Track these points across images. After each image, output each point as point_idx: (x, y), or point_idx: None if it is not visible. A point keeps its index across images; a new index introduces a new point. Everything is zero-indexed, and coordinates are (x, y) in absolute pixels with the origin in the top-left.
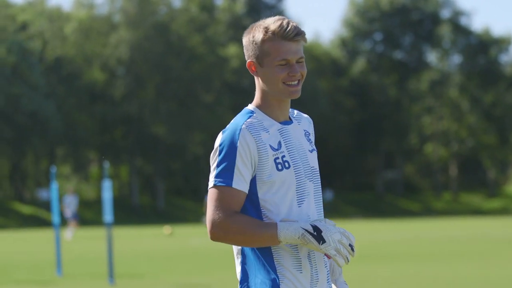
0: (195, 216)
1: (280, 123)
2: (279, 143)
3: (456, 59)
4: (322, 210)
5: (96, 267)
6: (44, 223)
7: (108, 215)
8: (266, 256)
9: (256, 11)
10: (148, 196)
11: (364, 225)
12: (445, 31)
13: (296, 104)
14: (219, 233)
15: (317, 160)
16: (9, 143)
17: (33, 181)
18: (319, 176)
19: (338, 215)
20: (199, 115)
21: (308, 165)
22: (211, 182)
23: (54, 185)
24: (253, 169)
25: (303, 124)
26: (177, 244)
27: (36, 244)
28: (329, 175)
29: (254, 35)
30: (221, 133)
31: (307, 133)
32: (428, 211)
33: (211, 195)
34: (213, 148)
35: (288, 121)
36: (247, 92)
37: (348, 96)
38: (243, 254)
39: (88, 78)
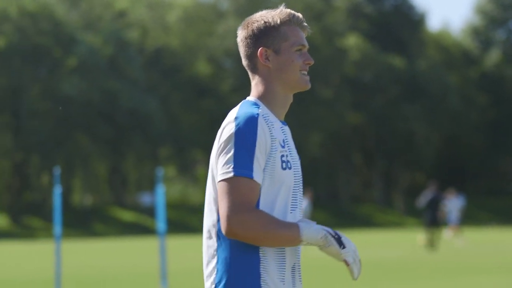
0: None
1: (280, 121)
2: (284, 141)
3: None
4: None
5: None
6: (147, 230)
7: None
8: (252, 261)
9: None
10: None
11: (500, 233)
12: None
13: (423, 98)
14: (238, 230)
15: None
16: (108, 143)
17: (135, 184)
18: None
19: (471, 222)
20: (316, 113)
21: (299, 174)
22: (227, 173)
23: (160, 189)
24: (265, 161)
25: (290, 132)
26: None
27: (139, 253)
28: (460, 178)
29: (266, 20)
30: (232, 120)
31: (293, 142)
32: None
33: (228, 187)
34: (220, 137)
35: (284, 122)
36: (369, 87)
37: (480, 91)
38: (222, 255)
39: (192, 71)
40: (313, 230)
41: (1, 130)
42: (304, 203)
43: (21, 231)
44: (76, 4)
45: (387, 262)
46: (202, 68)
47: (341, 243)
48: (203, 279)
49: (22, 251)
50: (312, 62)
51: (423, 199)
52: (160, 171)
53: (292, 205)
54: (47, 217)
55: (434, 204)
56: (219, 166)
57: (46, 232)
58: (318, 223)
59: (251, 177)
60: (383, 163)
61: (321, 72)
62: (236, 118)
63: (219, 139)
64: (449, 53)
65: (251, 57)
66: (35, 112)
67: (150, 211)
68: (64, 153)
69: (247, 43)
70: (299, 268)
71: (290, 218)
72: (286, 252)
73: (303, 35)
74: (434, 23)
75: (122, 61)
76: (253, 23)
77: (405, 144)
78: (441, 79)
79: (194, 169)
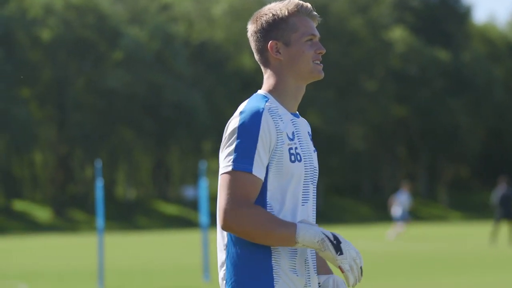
0: (356, 216)
1: (292, 113)
2: (293, 134)
3: None
4: (315, 218)
5: None
6: (190, 224)
7: None
8: (263, 254)
9: None
10: None
11: None
12: None
13: (468, 91)
14: (232, 224)
15: (317, 162)
16: (152, 137)
17: (178, 178)
18: (317, 179)
19: None
20: (360, 105)
21: (313, 165)
22: (227, 167)
23: (203, 182)
24: (269, 156)
25: (304, 123)
26: None
27: (182, 247)
28: (505, 172)
29: (274, 13)
30: (237, 114)
31: (309, 133)
32: None
33: (227, 180)
34: (226, 131)
35: (297, 114)
36: (414, 79)
37: None
38: (233, 248)
39: (237, 65)
40: (311, 233)
41: (46, 123)
42: (403, 196)
43: (64, 223)
44: None
45: (431, 255)
46: (247, 61)
47: (338, 249)
48: None
49: (65, 243)
50: (324, 51)
51: (494, 197)
52: (204, 165)
53: (303, 197)
54: (90, 210)
55: (506, 200)
56: (220, 159)
57: (89, 225)
58: (362, 217)
59: (250, 172)
60: (427, 156)
61: (366, 65)
62: (241, 112)
63: (225, 132)
64: (494, 46)
65: (262, 51)
66: (79, 105)
67: (193, 205)
68: (108, 146)
69: (257, 37)
70: (314, 261)
71: (301, 211)
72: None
73: (313, 24)
74: (480, 15)
75: (167, 54)
76: (262, 16)
77: (449, 137)
78: (486, 72)
79: None
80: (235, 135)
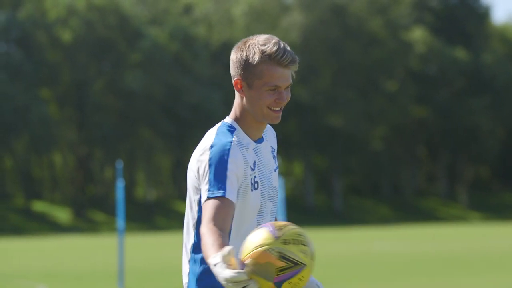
0: (376, 217)
1: (255, 141)
2: (255, 163)
3: None
4: None
5: None
6: None
7: (280, 216)
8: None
9: None
10: (324, 195)
11: None
12: None
13: (488, 91)
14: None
15: (278, 179)
16: (172, 137)
17: None
18: (277, 196)
19: None
20: (380, 106)
21: (272, 185)
22: (205, 195)
23: None
24: (238, 185)
25: (269, 139)
26: (357, 249)
27: None
28: None
29: (248, 54)
30: (207, 148)
31: (273, 150)
32: None
33: (206, 207)
34: (198, 162)
35: (261, 139)
36: (434, 80)
37: None
38: (192, 261)
39: None
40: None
41: (65, 124)
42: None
43: (84, 224)
44: None
45: (451, 256)
46: None
47: None
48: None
49: (85, 244)
50: (285, 102)
51: None
52: None
53: (260, 216)
54: (111, 211)
55: None
56: (196, 189)
57: (109, 226)
58: (381, 217)
59: (224, 196)
60: (447, 156)
61: (386, 65)
62: (211, 146)
63: (197, 162)
64: None
65: (233, 79)
66: (99, 106)
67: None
68: (127, 147)
69: (232, 67)
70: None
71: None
72: None
73: (284, 74)
74: (499, 16)
75: (187, 56)
76: (240, 51)
77: (469, 138)
78: (506, 72)
79: None
80: (209, 169)
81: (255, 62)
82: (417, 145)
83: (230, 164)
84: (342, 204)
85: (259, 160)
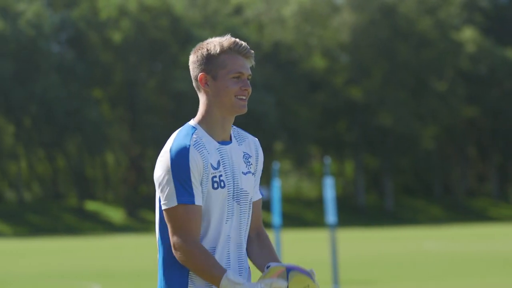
0: (427, 217)
1: (219, 142)
2: (218, 163)
3: None
4: (245, 232)
5: (318, 272)
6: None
7: (331, 215)
8: (182, 272)
9: None
10: (375, 194)
11: None
12: None
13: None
14: (179, 256)
15: (251, 183)
16: None
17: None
18: (248, 200)
19: None
20: (430, 106)
21: (238, 187)
22: (171, 201)
23: (276, 183)
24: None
25: (245, 145)
26: (408, 248)
27: None
28: None
29: (208, 48)
30: (167, 151)
31: (247, 155)
32: None
33: (173, 214)
34: (158, 166)
35: (227, 142)
36: (484, 80)
37: None
38: (163, 267)
39: (307, 65)
40: None
41: (118, 124)
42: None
43: (137, 224)
44: None
45: (502, 256)
46: (317, 61)
47: None
48: (316, 271)
49: (138, 244)
50: (249, 89)
51: None
52: (276, 165)
53: (227, 216)
54: None
55: None
56: (162, 195)
57: None
58: (433, 217)
59: (193, 203)
60: (497, 156)
61: (436, 66)
62: (170, 150)
63: (158, 164)
64: None
65: (196, 80)
66: (150, 106)
67: (266, 205)
68: None
69: (193, 67)
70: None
71: (225, 227)
72: None
73: (244, 62)
74: None
75: None
76: (199, 49)
77: None
78: None
79: (308, 162)
80: (169, 174)
81: (217, 52)
82: (467, 145)
83: (191, 166)
84: (393, 204)
85: (223, 160)
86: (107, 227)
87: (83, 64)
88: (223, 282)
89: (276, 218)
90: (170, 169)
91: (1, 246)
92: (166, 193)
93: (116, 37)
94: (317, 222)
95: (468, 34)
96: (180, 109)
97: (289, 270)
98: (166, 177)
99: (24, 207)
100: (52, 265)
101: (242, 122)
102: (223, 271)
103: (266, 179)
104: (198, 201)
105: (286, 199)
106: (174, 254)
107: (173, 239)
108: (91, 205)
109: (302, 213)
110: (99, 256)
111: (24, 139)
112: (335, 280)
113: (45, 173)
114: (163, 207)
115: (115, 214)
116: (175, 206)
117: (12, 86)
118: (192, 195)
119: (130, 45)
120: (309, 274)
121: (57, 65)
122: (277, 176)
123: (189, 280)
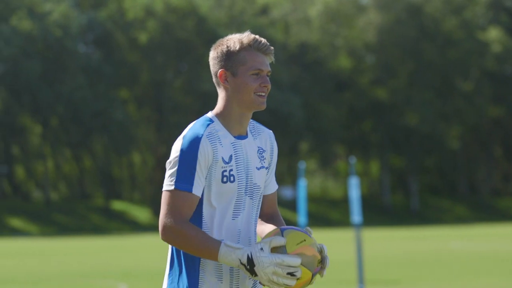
0: (453, 217)
1: (235, 137)
2: (230, 157)
3: None
4: (254, 225)
5: (343, 272)
6: (288, 224)
7: (356, 215)
8: (192, 261)
9: None
10: (401, 194)
11: None
12: None
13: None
14: (169, 237)
15: (264, 178)
16: None
17: (276, 178)
18: (260, 194)
19: None
20: (456, 105)
21: (251, 182)
22: (170, 185)
23: (302, 182)
24: (206, 177)
25: (259, 139)
26: (434, 248)
27: None
28: None
29: (228, 45)
30: (181, 138)
31: (261, 150)
32: None
33: (168, 197)
34: (172, 151)
35: (243, 136)
36: (510, 80)
37: None
38: (172, 259)
39: (333, 65)
40: (230, 260)
41: (144, 124)
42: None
43: None
44: (220, 0)
45: None
46: (343, 62)
47: (252, 272)
48: (342, 270)
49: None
50: (269, 85)
51: None
52: (303, 165)
53: (234, 212)
54: None
55: None
56: (165, 177)
57: None
58: (458, 217)
59: (190, 191)
60: None
61: (461, 66)
62: (184, 137)
63: (172, 150)
64: None
65: (215, 76)
66: (176, 106)
67: (291, 205)
68: None
69: (213, 63)
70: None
71: (231, 224)
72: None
73: (264, 59)
74: None
75: None
76: (219, 46)
77: None
78: None
79: (334, 162)
80: (177, 158)
81: (237, 49)
82: (493, 144)
83: (199, 155)
84: (419, 203)
85: (236, 154)
86: (133, 227)
87: (110, 65)
88: (222, 249)
89: (301, 217)
90: (178, 155)
91: (28, 246)
92: (168, 176)
93: (143, 37)
94: (343, 221)
95: (494, 34)
96: (206, 108)
97: (283, 229)
98: (173, 162)
99: (51, 207)
100: (78, 265)
101: (269, 122)
102: (218, 241)
103: (292, 179)
104: (196, 191)
105: (312, 199)
106: (163, 237)
107: (163, 220)
108: (118, 205)
109: (327, 213)
110: (125, 256)
111: (51, 139)
112: (361, 279)
113: (71, 173)
114: (163, 188)
115: (141, 214)
116: (172, 190)
117: (39, 87)
118: (191, 184)
119: (156, 45)
120: (304, 231)
121: (84, 66)
122: (303, 176)
123: (200, 273)
